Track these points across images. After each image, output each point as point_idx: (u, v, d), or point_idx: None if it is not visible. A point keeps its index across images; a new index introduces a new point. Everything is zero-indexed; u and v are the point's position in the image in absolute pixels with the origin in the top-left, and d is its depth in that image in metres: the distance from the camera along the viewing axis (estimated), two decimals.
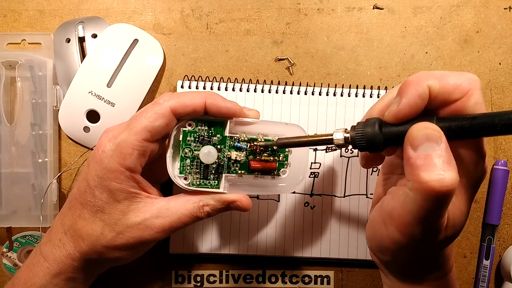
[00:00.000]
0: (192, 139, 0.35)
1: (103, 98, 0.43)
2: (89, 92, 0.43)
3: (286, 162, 0.37)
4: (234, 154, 0.35)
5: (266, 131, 0.36)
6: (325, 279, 0.45)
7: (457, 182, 0.25)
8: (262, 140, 0.36)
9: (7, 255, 0.44)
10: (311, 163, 0.44)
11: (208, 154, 0.34)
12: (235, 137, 0.35)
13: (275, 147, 0.36)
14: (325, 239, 0.44)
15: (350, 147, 0.32)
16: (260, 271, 0.46)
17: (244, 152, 0.35)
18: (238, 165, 0.36)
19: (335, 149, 0.44)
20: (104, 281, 0.45)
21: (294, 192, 0.44)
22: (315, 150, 0.44)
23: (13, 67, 0.44)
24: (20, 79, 0.44)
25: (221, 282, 0.45)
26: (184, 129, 0.35)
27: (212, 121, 0.35)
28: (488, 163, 0.45)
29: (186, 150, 0.35)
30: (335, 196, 0.44)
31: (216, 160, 0.35)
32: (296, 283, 0.45)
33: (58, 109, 0.44)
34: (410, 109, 0.27)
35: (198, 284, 0.45)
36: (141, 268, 0.45)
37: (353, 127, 0.30)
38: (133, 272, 0.45)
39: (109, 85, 0.43)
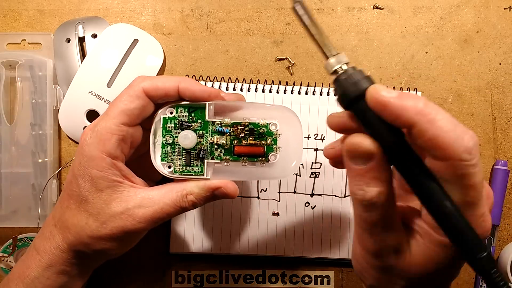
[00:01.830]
0: (173, 125, 0.35)
1: (103, 98, 0.43)
2: (89, 92, 0.43)
3: (275, 146, 0.35)
4: (216, 138, 0.35)
5: (253, 115, 0.35)
6: (325, 279, 0.45)
7: (380, 197, 0.25)
8: (246, 123, 0.35)
9: (5, 259, 0.44)
10: (312, 163, 0.44)
11: (185, 137, 0.34)
12: (218, 122, 0.35)
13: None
14: (325, 239, 0.44)
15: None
16: (260, 271, 0.46)
17: (227, 136, 0.35)
18: (222, 150, 0.35)
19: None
20: (104, 281, 0.45)
21: (294, 192, 0.44)
22: (316, 150, 0.44)
23: (13, 67, 0.44)
24: (20, 79, 0.44)
25: (221, 282, 0.45)
26: (164, 116, 0.34)
27: (192, 106, 0.35)
28: (488, 163, 0.45)
29: (167, 137, 0.35)
30: (336, 196, 0.44)
31: (199, 146, 0.35)
32: (296, 283, 0.45)
33: (58, 109, 0.44)
34: (396, 115, 0.24)
35: (198, 284, 0.45)
36: (141, 268, 0.45)
37: (351, 69, 0.25)
38: (133, 272, 0.45)
39: (109, 85, 0.43)
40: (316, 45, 0.27)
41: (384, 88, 0.24)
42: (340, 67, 0.26)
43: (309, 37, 0.27)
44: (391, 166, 0.26)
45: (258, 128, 0.35)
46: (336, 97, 0.26)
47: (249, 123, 0.35)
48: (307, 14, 0.27)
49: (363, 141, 0.25)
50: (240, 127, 0.35)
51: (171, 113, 0.35)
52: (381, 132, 0.25)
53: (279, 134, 0.35)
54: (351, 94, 0.25)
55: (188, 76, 0.45)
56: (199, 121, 0.35)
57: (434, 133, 0.23)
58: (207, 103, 0.34)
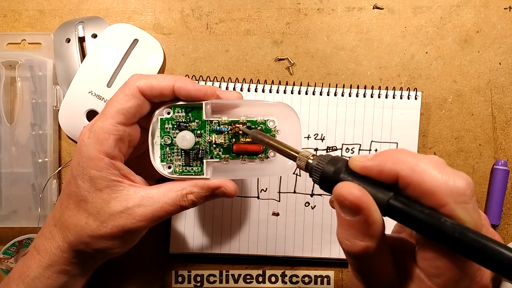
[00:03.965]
0: (170, 126, 0.34)
1: (103, 98, 0.43)
2: (89, 92, 0.43)
3: None
4: (214, 138, 0.35)
5: (250, 113, 0.35)
6: (325, 279, 0.45)
7: (366, 251, 0.23)
8: (245, 121, 0.35)
9: (5, 261, 0.44)
10: None
11: (183, 138, 0.34)
12: (215, 121, 0.35)
13: (247, 134, 0.34)
14: (325, 239, 0.44)
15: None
16: (260, 271, 0.46)
17: (225, 135, 0.35)
18: (221, 149, 0.35)
19: (336, 149, 0.44)
20: (104, 281, 0.45)
21: (294, 192, 0.44)
22: (316, 150, 0.44)
23: (13, 67, 0.44)
24: (20, 79, 0.44)
25: (221, 282, 0.45)
26: (161, 117, 0.34)
27: (189, 106, 0.34)
28: (488, 163, 0.45)
29: (165, 138, 0.35)
30: None
31: (197, 146, 0.34)
32: (296, 283, 0.45)
33: (58, 109, 0.44)
34: (378, 172, 0.24)
35: (198, 284, 0.45)
36: (141, 268, 0.45)
37: (319, 156, 0.27)
38: (133, 272, 0.45)
39: (109, 85, 0.43)
40: (284, 155, 0.30)
41: (361, 155, 0.25)
42: (308, 158, 0.27)
43: (273, 149, 0.31)
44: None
45: (256, 126, 0.35)
46: (316, 183, 0.27)
47: (247, 120, 0.35)
48: (265, 136, 0.32)
49: (351, 192, 0.23)
50: (238, 125, 0.35)
51: (168, 113, 0.34)
52: (370, 190, 0.24)
53: (277, 130, 0.35)
54: (328, 173, 0.25)
55: (188, 76, 0.45)
56: (196, 120, 0.35)
57: (418, 179, 0.22)
58: (203, 102, 0.34)
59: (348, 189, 0.23)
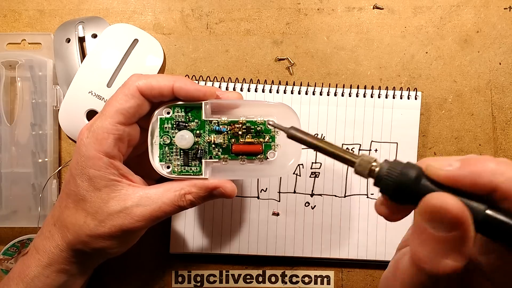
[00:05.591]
0: (170, 126, 0.34)
1: (103, 98, 0.43)
2: (89, 92, 0.43)
3: (273, 144, 0.35)
4: (213, 138, 0.34)
5: (252, 113, 0.35)
6: (325, 279, 0.45)
7: (455, 272, 0.21)
8: (244, 122, 0.34)
9: (5, 262, 0.44)
10: (312, 163, 0.44)
11: (181, 138, 0.34)
12: (215, 121, 0.34)
13: (270, 130, 0.33)
14: (325, 239, 0.44)
15: (370, 180, 0.25)
16: (260, 271, 0.46)
17: (224, 135, 0.34)
18: (221, 149, 0.35)
19: None
20: (104, 281, 0.45)
21: (294, 192, 0.44)
22: None
23: (13, 67, 0.44)
24: (20, 79, 0.44)
25: (221, 282, 0.45)
26: (161, 116, 0.34)
27: (188, 105, 0.34)
28: None
29: (164, 138, 0.35)
30: (336, 196, 0.44)
31: (196, 146, 0.34)
32: (296, 283, 0.45)
33: (58, 109, 0.44)
34: (471, 183, 0.21)
35: (198, 284, 0.45)
36: (141, 268, 0.45)
37: (386, 162, 0.24)
38: (133, 272, 0.45)
39: (109, 85, 0.43)
40: (335, 157, 0.25)
41: (439, 162, 0.22)
42: (372, 165, 0.24)
43: (317, 150, 0.26)
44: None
45: (256, 126, 0.35)
46: (385, 193, 0.23)
47: (247, 121, 0.35)
48: (306, 135, 0.27)
49: (452, 204, 0.20)
50: (238, 126, 0.35)
51: (168, 113, 0.34)
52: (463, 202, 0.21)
53: (277, 131, 0.35)
54: (407, 182, 0.22)
55: (188, 76, 0.45)
56: (196, 120, 0.35)
57: None
58: (203, 102, 0.34)
59: (450, 201, 0.20)
